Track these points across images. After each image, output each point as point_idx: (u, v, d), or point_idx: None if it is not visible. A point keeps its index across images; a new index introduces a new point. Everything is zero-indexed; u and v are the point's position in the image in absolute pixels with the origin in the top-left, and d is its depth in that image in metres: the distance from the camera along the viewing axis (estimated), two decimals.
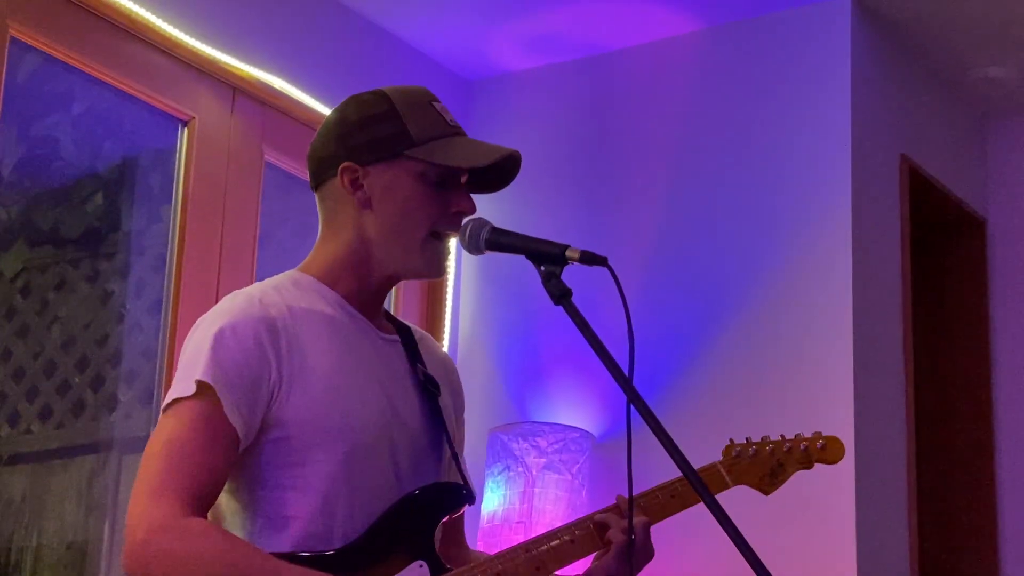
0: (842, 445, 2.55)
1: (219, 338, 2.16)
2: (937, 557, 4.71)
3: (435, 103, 2.34)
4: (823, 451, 2.54)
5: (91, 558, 4.29)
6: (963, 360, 4.87)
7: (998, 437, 4.81)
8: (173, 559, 2.07)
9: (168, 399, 2.16)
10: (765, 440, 2.53)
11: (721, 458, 2.50)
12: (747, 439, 2.54)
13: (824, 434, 2.56)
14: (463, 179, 2.33)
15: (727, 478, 2.47)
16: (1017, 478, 4.75)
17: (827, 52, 4.37)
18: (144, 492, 2.11)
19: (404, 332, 2.40)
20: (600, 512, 2.35)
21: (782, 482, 2.53)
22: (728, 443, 2.53)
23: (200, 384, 2.12)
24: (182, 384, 2.15)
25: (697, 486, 1.96)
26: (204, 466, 2.12)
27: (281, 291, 2.27)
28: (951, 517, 4.80)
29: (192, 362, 2.16)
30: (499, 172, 2.36)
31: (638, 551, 2.31)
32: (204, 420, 2.12)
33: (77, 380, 4.40)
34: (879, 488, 4.16)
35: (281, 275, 2.33)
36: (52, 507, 4.39)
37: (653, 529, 2.37)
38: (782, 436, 2.55)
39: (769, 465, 2.53)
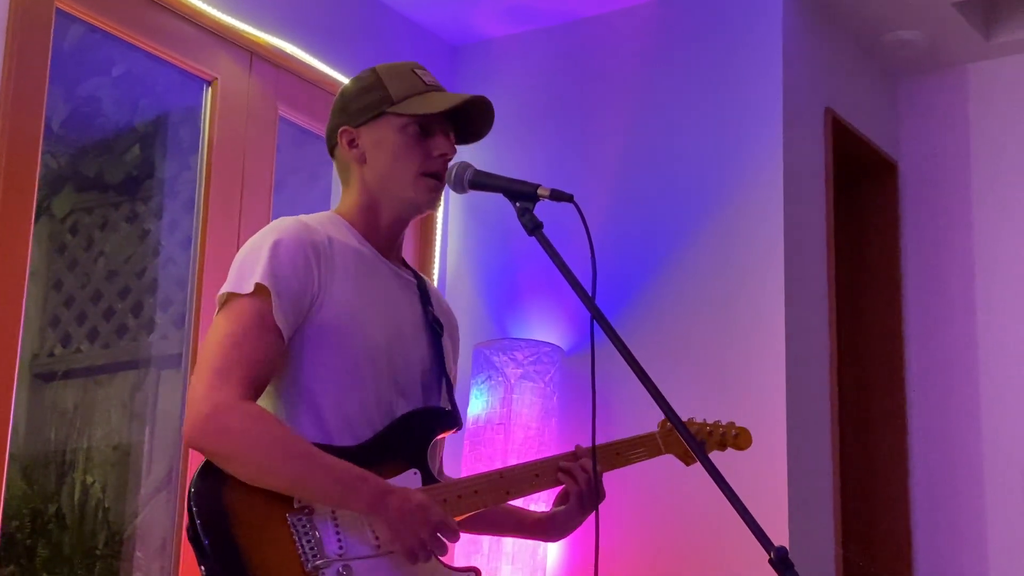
0: (750, 437, 2.71)
1: (275, 248, 2.22)
2: (856, 459, 4.64)
3: (417, 70, 2.41)
4: (736, 439, 2.70)
5: (134, 458, 4.33)
6: (878, 282, 4.79)
7: (908, 349, 4.73)
8: (234, 434, 2.10)
9: (224, 290, 2.21)
10: (691, 421, 2.69)
11: (658, 429, 2.63)
12: None
13: (737, 425, 2.70)
14: (444, 128, 2.38)
15: (661, 446, 2.61)
16: (924, 398, 4.68)
17: (763, 20, 4.28)
18: (207, 375, 2.12)
19: (419, 279, 2.48)
20: (562, 458, 2.45)
21: None
22: (663, 419, 2.59)
23: (258, 286, 2.18)
24: (241, 282, 2.20)
25: (665, 408, 2.06)
26: (258, 357, 2.16)
27: (322, 223, 2.34)
28: (868, 424, 4.72)
29: (251, 265, 2.21)
30: (475, 120, 2.41)
31: (594, 495, 2.43)
32: (260, 317, 2.17)
33: (120, 306, 4.43)
34: (807, 396, 4.13)
35: (320, 213, 2.41)
36: (100, 415, 4.43)
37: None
38: (704, 419, 2.71)
39: None
